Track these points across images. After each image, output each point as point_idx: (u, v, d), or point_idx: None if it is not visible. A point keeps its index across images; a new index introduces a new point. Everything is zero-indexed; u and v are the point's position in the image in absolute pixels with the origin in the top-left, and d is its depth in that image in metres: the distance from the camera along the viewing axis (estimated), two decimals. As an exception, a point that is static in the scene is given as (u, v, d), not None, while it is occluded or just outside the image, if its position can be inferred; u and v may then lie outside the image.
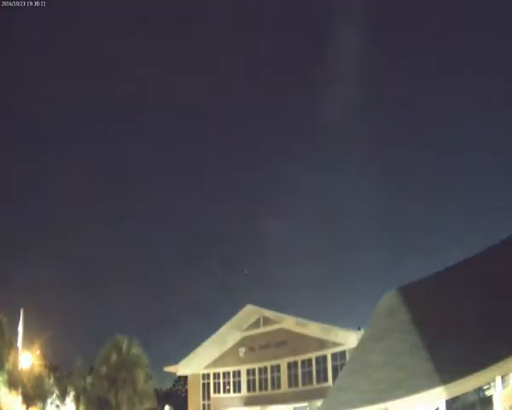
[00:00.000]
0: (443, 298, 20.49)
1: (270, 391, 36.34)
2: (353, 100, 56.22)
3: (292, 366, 35.35)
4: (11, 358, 37.31)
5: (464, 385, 15.63)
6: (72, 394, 40.33)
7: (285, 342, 35.75)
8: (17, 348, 38.49)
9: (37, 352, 39.63)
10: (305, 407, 33.04)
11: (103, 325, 54.60)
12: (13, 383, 36.73)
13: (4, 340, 36.74)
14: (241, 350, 38.31)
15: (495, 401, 15.42)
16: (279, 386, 35.89)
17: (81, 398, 40.40)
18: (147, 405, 40.04)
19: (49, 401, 39.32)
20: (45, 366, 40.34)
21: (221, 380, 39.52)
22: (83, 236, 69.97)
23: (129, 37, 68.08)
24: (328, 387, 30.26)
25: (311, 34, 70.54)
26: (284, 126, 75.06)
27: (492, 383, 15.42)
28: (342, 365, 30.20)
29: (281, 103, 75.67)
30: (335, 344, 32.38)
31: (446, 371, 16.14)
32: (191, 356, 39.26)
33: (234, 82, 72.20)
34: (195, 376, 40.25)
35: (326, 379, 32.64)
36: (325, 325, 32.67)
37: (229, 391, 38.97)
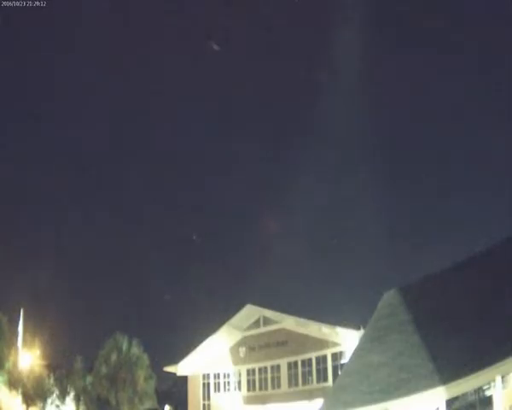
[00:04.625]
0: (443, 298, 20.52)
1: (270, 391, 36.33)
2: (354, 99, 56.15)
3: (292, 366, 35.30)
4: (11, 358, 37.38)
5: (464, 385, 15.66)
6: (72, 394, 40.39)
7: (285, 342, 35.73)
8: (17, 348, 38.55)
9: (37, 352, 39.67)
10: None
11: (103, 325, 54.45)
12: (13, 383, 36.80)
13: (4, 340, 36.80)
14: (241, 350, 38.28)
15: (495, 401, 15.44)
16: (279, 386, 35.85)
17: (81, 398, 40.48)
18: (147, 405, 40.14)
19: (49, 401, 39.37)
20: (45, 366, 40.35)
21: (221, 380, 39.49)
22: (83, 235, 69.94)
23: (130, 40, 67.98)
24: (328, 387, 30.26)
25: (314, 32, 70.55)
26: (284, 125, 75.05)
27: (492, 383, 15.44)
28: (342, 365, 30.19)
29: (280, 103, 75.70)
30: (335, 344, 32.35)
31: (446, 371, 16.16)
32: (191, 356, 39.22)
33: (235, 83, 72.15)
34: (195, 376, 40.23)
35: (326, 379, 32.60)
36: (325, 325, 32.60)
37: (229, 391, 38.98)
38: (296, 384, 34.74)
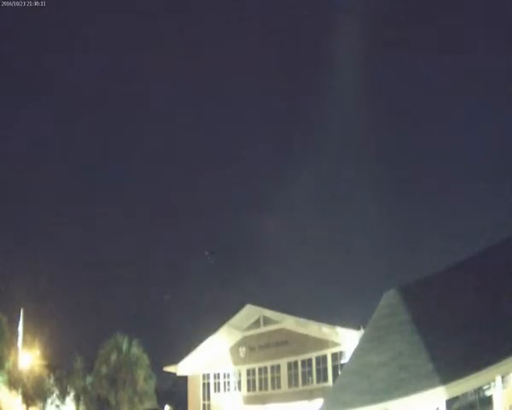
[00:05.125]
0: (443, 298, 20.51)
1: (270, 391, 36.32)
2: (354, 98, 56.14)
3: (292, 366, 35.29)
4: (11, 358, 37.36)
5: (464, 385, 15.65)
6: (72, 394, 40.37)
7: (285, 342, 35.71)
8: (17, 348, 38.53)
9: (37, 352, 39.65)
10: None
11: (103, 325, 54.48)
12: (13, 383, 36.77)
13: (4, 340, 36.78)
14: (241, 350, 38.28)
15: (495, 401, 15.44)
16: (279, 386, 35.84)
17: (81, 398, 40.45)
18: (147, 405, 40.06)
19: (49, 401, 39.34)
20: (45, 366, 40.32)
21: (221, 380, 39.47)
22: (83, 235, 69.97)
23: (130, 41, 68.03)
24: (328, 387, 30.24)
25: (314, 31, 70.57)
26: (284, 125, 75.11)
27: (492, 383, 15.43)
28: (342, 365, 30.19)
29: (280, 103, 75.73)
30: (335, 344, 32.35)
31: (446, 371, 16.16)
32: (191, 356, 39.20)
33: (235, 84, 72.14)
34: (195, 376, 40.21)
35: (326, 379, 32.59)
36: (325, 325, 32.60)
37: (229, 391, 38.97)
38: (296, 384, 34.73)
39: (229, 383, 39.07)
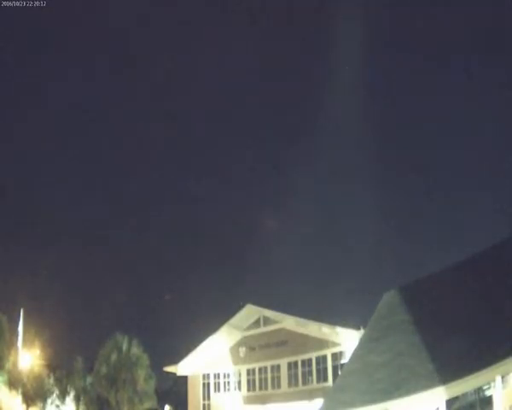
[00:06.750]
0: (443, 298, 20.52)
1: (270, 391, 36.32)
2: (354, 101, 56.13)
3: (292, 366, 35.30)
4: (11, 358, 37.34)
5: (464, 385, 15.65)
6: (72, 394, 40.34)
7: (285, 341, 35.73)
8: (17, 348, 38.52)
9: (37, 352, 39.63)
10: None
11: (103, 325, 54.53)
12: (13, 383, 36.76)
13: (4, 340, 36.75)
14: (241, 350, 38.29)
15: (495, 401, 15.44)
16: (279, 386, 35.84)
17: (81, 398, 40.43)
18: (147, 405, 40.02)
19: (49, 401, 39.31)
20: (45, 366, 40.29)
21: (221, 380, 39.48)
22: (83, 236, 69.97)
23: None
24: (328, 387, 30.25)
25: (314, 35, 70.60)
26: (285, 126, 75.16)
27: (492, 383, 15.43)
28: (342, 365, 30.20)
29: (281, 104, 75.77)
30: (335, 344, 32.36)
31: (446, 371, 16.16)
32: (191, 356, 39.21)
33: (235, 84, 72.19)
34: (195, 376, 40.22)
35: (326, 379, 32.60)
36: (325, 325, 32.60)
37: (229, 391, 38.96)
38: (296, 384, 34.73)
39: (229, 383, 39.07)
